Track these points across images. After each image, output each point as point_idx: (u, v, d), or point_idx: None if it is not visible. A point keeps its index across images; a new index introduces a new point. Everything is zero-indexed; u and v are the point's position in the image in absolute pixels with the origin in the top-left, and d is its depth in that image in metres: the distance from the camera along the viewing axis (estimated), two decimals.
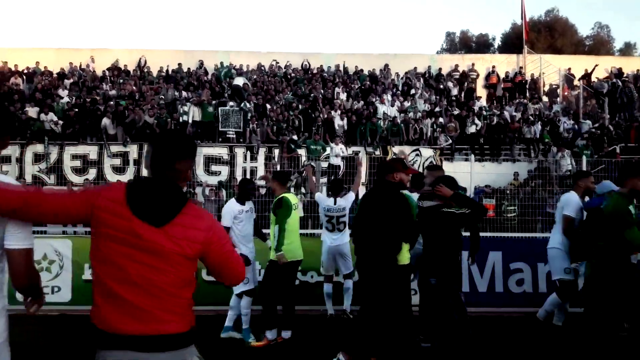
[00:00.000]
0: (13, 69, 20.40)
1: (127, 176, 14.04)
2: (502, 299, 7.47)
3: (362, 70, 21.08)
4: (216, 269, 2.31)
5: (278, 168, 14.66)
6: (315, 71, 20.95)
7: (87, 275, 7.04)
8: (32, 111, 16.75)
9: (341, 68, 21.40)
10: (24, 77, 20.03)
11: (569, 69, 20.61)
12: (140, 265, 2.05)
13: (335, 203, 6.73)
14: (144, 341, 2.03)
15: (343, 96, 18.70)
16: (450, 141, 16.28)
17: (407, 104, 18.26)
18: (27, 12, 72.84)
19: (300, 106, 17.33)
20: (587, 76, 19.92)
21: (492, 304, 7.32)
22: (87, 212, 2.10)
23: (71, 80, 19.71)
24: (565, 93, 19.88)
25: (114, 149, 15.63)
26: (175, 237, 2.09)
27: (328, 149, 14.76)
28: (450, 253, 4.61)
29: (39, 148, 15.39)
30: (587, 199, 5.84)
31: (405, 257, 4.73)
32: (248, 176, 14.09)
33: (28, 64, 20.57)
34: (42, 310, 6.71)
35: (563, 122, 16.82)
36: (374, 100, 18.33)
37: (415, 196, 5.80)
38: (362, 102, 18.22)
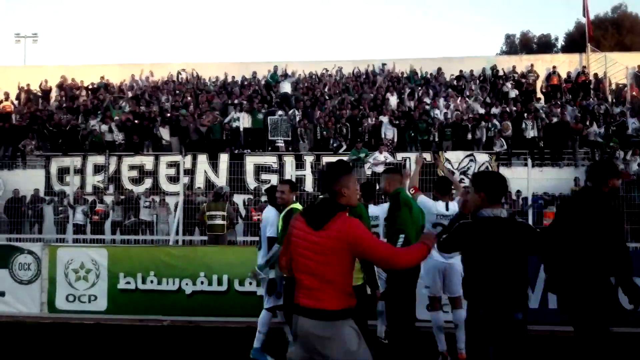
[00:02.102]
0: (79, 84, 21.53)
1: (181, 186, 14.32)
2: (556, 316, 6.86)
3: (415, 73, 20.65)
4: (367, 258, 3.12)
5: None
6: (365, 76, 20.74)
7: (123, 284, 7.15)
8: (94, 123, 17.57)
9: (390, 72, 21.02)
10: (89, 91, 21.10)
11: (638, 66, 19.21)
12: (313, 261, 2.92)
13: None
14: (311, 312, 2.93)
15: (393, 100, 18.34)
16: (505, 146, 15.54)
17: (461, 106, 17.64)
18: (94, 31, 77.28)
19: (348, 113, 17.13)
20: None
21: (544, 322, 6.76)
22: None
23: (131, 94, 20.55)
24: (634, 92, 18.52)
25: (169, 158, 16.05)
26: (330, 237, 2.90)
27: (371, 157, 14.43)
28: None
29: (99, 159, 16.05)
30: None
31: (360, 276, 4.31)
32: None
33: (94, 80, 21.63)
34: (78, 318, 6.89)
35: (631, 123, 15.65)
36: (425, 103, 17.85)
37: (442, 204, 5.52)
38: (412, 106, 17.80)
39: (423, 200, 5.54)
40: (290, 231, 3.12)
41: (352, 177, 3.14)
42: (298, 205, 5.08)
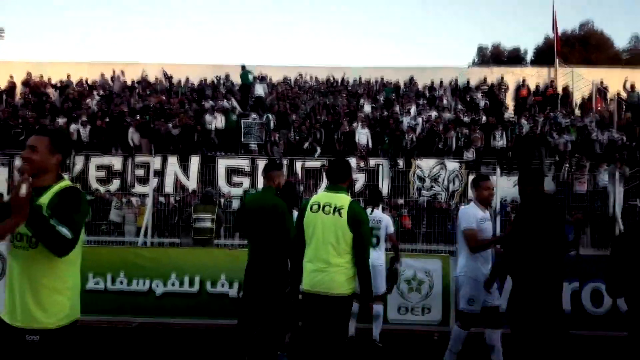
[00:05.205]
0: (47, 81, 20.99)
1: (150, 187, 14.07)
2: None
3: (388, 83, 20.89)
4: None
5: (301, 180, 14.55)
6: (339, 83, 20.88)
7: (91, 284, 6.95)
8: (61, 122, 17.13)
9: (365, 80, 21.23)
10: (57, 89, 20.59)
11: (602, 81, 19.92)
12: None
13: (371, 213, 5.98)
14: None
15: (367, 108, 18.50)
16: (475, 154, 15.84)
17: (433, 114, 17.89)
18: (63, 27, 75.63)
19: (322, 118, 17.19)
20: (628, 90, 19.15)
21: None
22: None
23: (101, 92, 20.13)
24: (599, 107, 19.17)
25: (138, 159, 15.77)
26: None
27: None
28: None
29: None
30: None
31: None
32: None
33: (62, 77, 21.12)
34: None
35: (596, 135, 16.18)
36: (398, 112, 18.05)
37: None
38: (386, 114, 17.98)
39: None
40: None
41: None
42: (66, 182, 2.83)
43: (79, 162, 15.57)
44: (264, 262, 4.69)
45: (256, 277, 4.71)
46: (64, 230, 2.51)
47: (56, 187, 2.71)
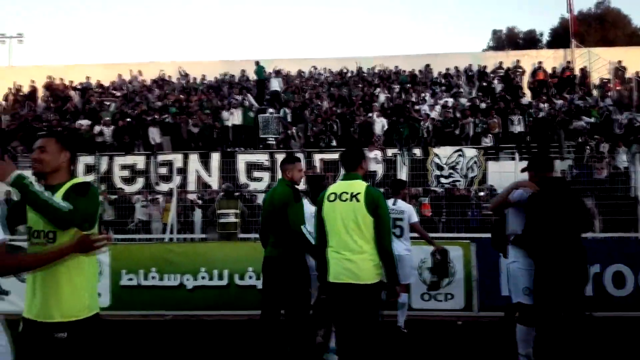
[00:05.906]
0: (68, 84, 21.43)
1: (173, 185, 14.37)
2: None
3: (403, 71, 20.87)
4: None
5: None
6: (354, 73, 20.94)
7: (125, 281, 7.27)
8: (84, 123, 17.54)
9: (378, 70, 21.27)
10: (78, 92, 21.03)
11: (619, 61, 19.65)
12: None
13: (394, 204, 6.12)
14: None
15: (382, 97, 18.56)
16: (491, 142, 15.82)
17: (449, 101, 17.86)
18: (79, 30, 76.54)
19: (338, 110, 17.30)
20: None
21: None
22: None
23: (119, 93, 20.52)
24: (618, 88, 18.92)
25: (161, 158, 16.09)
26: None
27: None
28: None
29: (90, 159, 16.04)
30: None
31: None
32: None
33: (81, 80, 21.54)
34: None
35: (615, 115, 16.03)
36: (414, 100, 18.08)
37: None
38: (401, 103, 18.02)
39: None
40: None
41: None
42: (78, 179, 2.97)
43: (103, 163, 15.97)
44: (275, 253, 4.76)
45: (271, 270, 4.79)
46: (62, 204, 2.59)
47: (68, 184, 2.81)
